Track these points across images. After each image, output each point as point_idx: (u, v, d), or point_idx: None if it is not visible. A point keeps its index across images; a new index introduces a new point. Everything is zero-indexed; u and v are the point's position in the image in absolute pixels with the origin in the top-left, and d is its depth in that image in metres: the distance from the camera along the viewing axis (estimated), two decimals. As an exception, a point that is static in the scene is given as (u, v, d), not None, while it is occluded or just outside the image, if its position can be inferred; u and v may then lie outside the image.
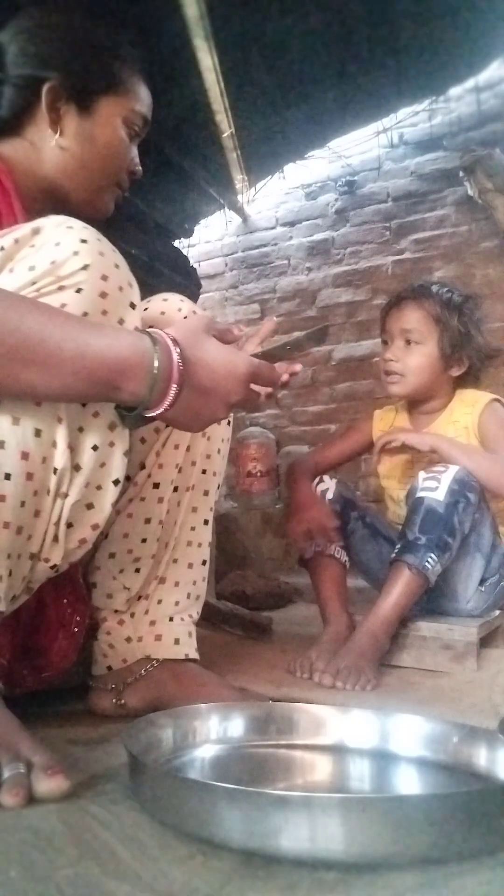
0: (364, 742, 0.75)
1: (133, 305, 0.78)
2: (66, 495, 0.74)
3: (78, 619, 0.91)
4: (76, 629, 0.90)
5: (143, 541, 0.97)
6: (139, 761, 0.60)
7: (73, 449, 0.74)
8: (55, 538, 0.75)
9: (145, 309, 0.97)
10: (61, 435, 0.72)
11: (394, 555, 1.29)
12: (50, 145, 0.95)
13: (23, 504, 0.70)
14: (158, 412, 0.71)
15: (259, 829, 0.50)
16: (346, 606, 1.41)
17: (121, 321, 0.75)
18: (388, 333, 1.53)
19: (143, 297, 0.99)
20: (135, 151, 1.03)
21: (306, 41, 2.50)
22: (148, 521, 0.97)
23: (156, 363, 0.68)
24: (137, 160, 1.04)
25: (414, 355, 1.49)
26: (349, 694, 1.10)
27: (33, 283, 0.71)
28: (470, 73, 3.21)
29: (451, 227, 3.43)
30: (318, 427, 3.70)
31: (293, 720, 0.78)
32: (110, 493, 0.78)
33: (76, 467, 0.75)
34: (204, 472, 1.02)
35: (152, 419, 0.73)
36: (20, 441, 0.69)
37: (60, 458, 0.72)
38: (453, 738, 0.72)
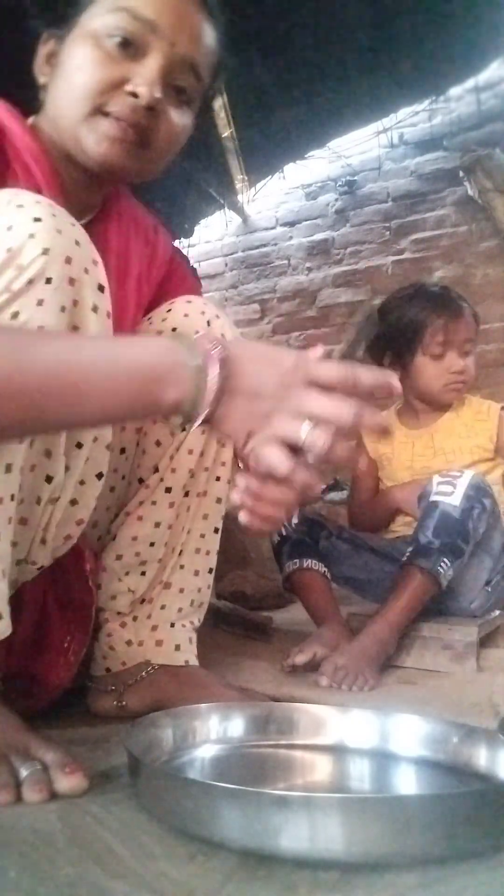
0: (364, 742, 0.75)
1: (101, 288, 0.70)
2: (57, 499, 0.73)
3: (76, 648, 0.89)
4: (72, 658, 0.88)
5: (151, 544, 0.96)
6: (139, 761, 0.60)
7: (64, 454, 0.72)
8: (42, 541, 0.75)
9: (168, 311, 0.95)
10: (56, 443, 0.69)
11: (405, 558, 1.29)
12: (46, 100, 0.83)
13: (9, 521, 0.69)
14: (205, 411, 0.59)
15: (259, 829, 0.50)
16: (337, 608, 1.41)
17: (94, 309, 0.70)
18: (448, 344, 1.49)
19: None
20: (140, 68, 0.78)
21: (306, 41, 2.50)
22: (157, 524, 0.96)
23: (196, 360, 0.58)
24: (148, 77, 0.78)
25: (472, 359, 1.54)
26: (349, 694, 1.10)
27: None
28: (470, 73, 3.21)
29: (451, 227, 3.43)
30: (318, 427, 3.70)
31: (293, 720, 0.78)
32: (94, 488, 0.77)
33: (65, 468, 0.73)
34: (218, 479, 0.99)
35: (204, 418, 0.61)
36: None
37: (53, 465, 0.70)
38: (453, 738, 0.71)
